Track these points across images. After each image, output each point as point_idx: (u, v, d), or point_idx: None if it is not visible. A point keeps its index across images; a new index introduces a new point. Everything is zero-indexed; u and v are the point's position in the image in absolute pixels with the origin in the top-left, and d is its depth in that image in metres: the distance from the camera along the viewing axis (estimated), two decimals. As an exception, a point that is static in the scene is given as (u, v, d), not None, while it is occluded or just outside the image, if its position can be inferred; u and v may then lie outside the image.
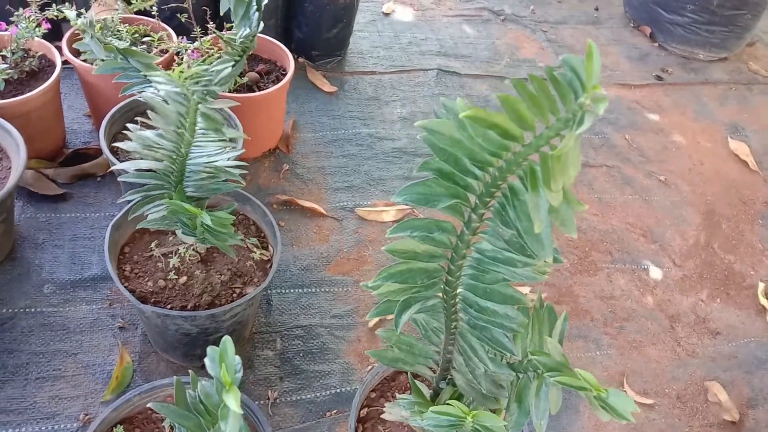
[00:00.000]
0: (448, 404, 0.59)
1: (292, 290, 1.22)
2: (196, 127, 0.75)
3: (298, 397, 1.07)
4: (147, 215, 0.88)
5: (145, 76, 0.82)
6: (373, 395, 0.90)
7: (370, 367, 1.13)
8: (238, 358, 0.54)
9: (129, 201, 0.92)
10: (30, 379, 1.02)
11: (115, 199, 1.29)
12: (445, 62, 1.83)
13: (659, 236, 1.52)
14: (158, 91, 0.73)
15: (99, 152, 1.34)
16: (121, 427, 0.80)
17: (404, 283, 0.56)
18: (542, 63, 1.98)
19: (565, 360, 0.55)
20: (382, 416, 0.82)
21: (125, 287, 0.93)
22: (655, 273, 1.42)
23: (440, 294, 0.59)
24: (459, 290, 0.59)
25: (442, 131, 0.45)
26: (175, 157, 0.79)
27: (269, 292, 1.20)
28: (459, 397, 0.69)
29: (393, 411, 0.80)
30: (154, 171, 0.84)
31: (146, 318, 0.96)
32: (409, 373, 0.73)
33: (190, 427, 0.60)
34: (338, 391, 1.09)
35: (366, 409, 0.89)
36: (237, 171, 0.85)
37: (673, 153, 1.78)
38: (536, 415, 0.58)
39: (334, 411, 1.07)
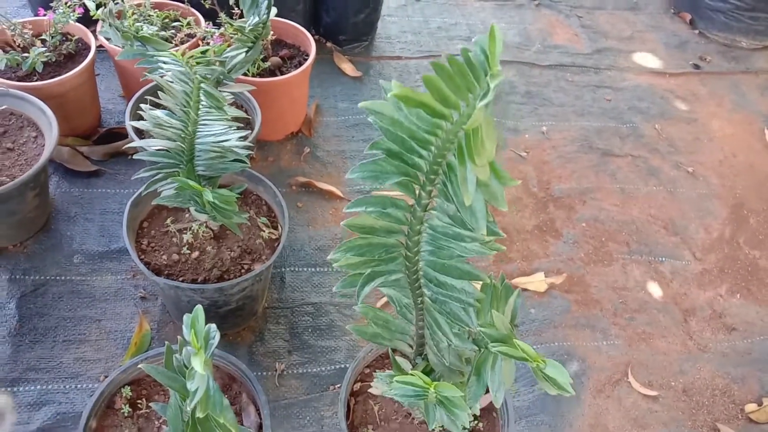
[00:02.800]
0: (411, 374, 0.63)
1: (305, 269, 1.26)
2: (201, 106, 0.80)
3: (305, 370, 1.12)
4: (161, 192, 0.93)
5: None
6: (368, 371, 0.94)
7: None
8: (213, 327, 0.59)
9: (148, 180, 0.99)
10: (58, 341, 1.10)
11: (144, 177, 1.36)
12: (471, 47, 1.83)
13: (681, 229, 1.50)
14: (165, 71, 0.78)
15: (131, 132, 1.42)
16: (129, 387, 0.87)
17: (363, 256, 0.60)
18: (574, 50, 1.96)
19: (511, 333, 0.57)
20: (369, 390, 0.86)
21: (141, 260, 0.99)
22: (674, 265, 1.41)
23: (403, 269, 0.62)
24: (420, 265, 0.61)
25: (384, 112, 0.48)
26: (183, 135, 0.84)
27: (283, 270, 1.25)
28: (430, 371, 0.72)
29: (378, 385, 0.84)
30: (167, 150, 0.90)
31: (161, 289, 1.02)
32: (389, 349, 0.76)
33: (176, 388, 0.65)
34: (343, 366, 1.14)
35: (359, 384, 0.93)
36: (244, 151, 0.90)
37: (704, 144, 1.74)
38: (492, 387, 0.61)
39: (338, 385, 1.11)
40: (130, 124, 1.16)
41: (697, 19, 2.11)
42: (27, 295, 1.14)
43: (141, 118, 1.23)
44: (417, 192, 0.56)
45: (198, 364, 0.50)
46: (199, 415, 0.55)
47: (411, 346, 0.75)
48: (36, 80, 1.26)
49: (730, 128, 1.80)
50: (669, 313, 1.32)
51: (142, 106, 0.88)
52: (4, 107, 1.18)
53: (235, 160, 0.93)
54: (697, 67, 1.99)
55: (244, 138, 0.91)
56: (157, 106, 0.87)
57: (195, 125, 0.83)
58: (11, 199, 1.10)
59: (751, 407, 1.18)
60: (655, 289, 1.36)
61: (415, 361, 0.76)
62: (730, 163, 1.70)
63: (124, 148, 1.35)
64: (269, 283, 1.21)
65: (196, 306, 0.54)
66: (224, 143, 0.89)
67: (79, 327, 1.13)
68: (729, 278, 1.42)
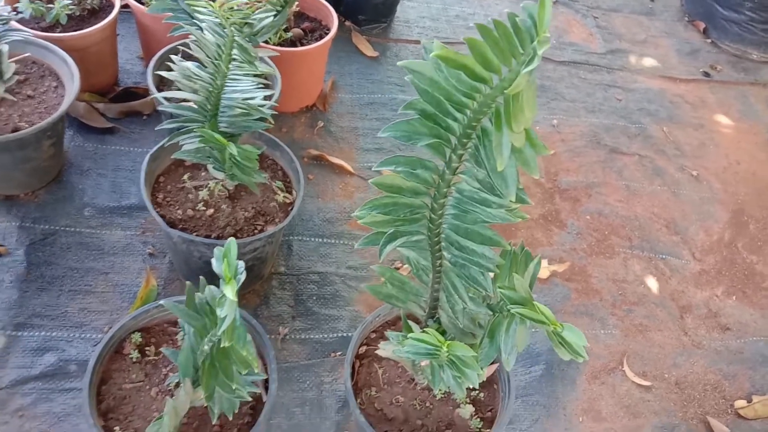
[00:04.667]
0: (425, 332, 0.64)
1: (312, 239, 1.28)
2: (232, 59, 0.81)
3: (307, 336, 1.14)
4: (182, 146, 0.94)
5: (190, 15, 0.88)
6: (373, 336, 0.96)
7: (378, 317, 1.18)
8: (241, 264, 0.60)
9: (168, 134, 1.00)
10: (64, 291, 1.11)
11: (158, 137, 1.37)
12: (489, 39, 1.85)
13: (682, 229, 1.52)
14: (200, 22, 0.79)
15: (147, 92, 1.42)
16: (139, 334, 0.88)
17: (389, 214, 0.61)
18: (589, 48, 1.97)
19: (530, 296, 0.59)
20: (376, 352, 0.88)
21: (156, 212, 1.00)
22: (673, 264, 1.43)
23: (425, 231, 0.64)
24: (442, 228, 0.63)
25: (423, 72, 0.49)
26: (211, 89, 0.85)
27: (291, 238, 1.26)
28: (442, 334, 0.73)
29: (386, 348, 0.85)
30: (191, 104, 0.91)
31: (173, 243, 1.03)
32: (401, 311, 0.78)
33: (196, 327, 0.66)
34: (345, 335, 1.15)
35: (365, 347, 0.95)
36: (268, 111, 0.91)
37: (710, 150, 1.76)
38: (504, 350, 0.63)
39: (339, 353, 1.13)
40: (158, 74, 1.17)
41: (711, 29, 2.14)
42: (36, 243, 1.15)
43: (162, 78, 1.24)
44: (447, 155, 0.57)
45: (230, 292, 0.51)
46: (225, 344, 0.56)
47: (423, 309, 0.76)
48: (59, 32, 1.26)
49: (735, 136, 1.83)
50: (666, 308, 1.34)
51: (173, 57, 0.89)
52: (26, 54, 1.18)
53: (258, 119, 0.94)
54: (707, 75, 2.01)
55: (269, 98, 0.92)
56: (188, 58, 0.87)
57: (224, 79, 0.84)
58: (28, 146, 1.11)
59: (740, 403, 1.20)
60: (653, 285, 1.38)
61: (426, 324, 0.77)
62: (733, 170, 1.73)
63: (149, 98, 1.36)
64: (277, 249, 1.22)
65: (229, 239, 0.55)
66: (250, 101, 0.90)
67: (86, 278, 1.13)
68: (726, 280, 1.45)
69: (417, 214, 0.62)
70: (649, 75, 1.95)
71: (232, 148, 0.84)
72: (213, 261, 0.56)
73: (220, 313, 0.53)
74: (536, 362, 1.17)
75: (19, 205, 1.19)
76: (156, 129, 0.94)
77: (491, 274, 0.64)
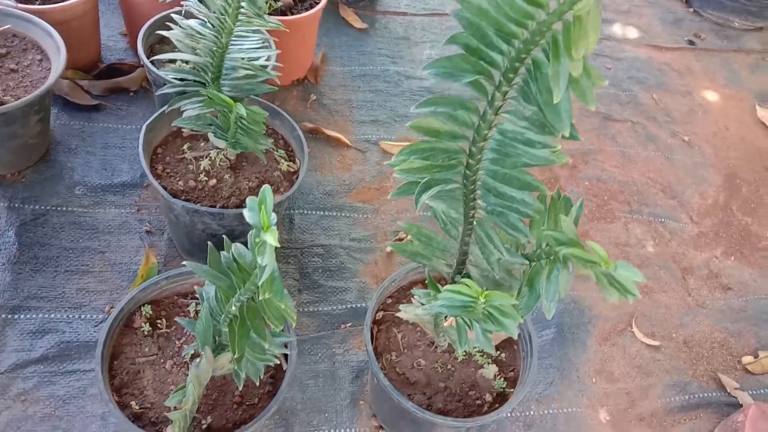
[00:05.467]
0: (462, 283, 0.62)
1: (314, 212, 1.25)
2: (240, 12, 0.77)
3: (315, 309, 1.11)
4: (183, 112, 0.90)
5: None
6: (389, 301, 0.94)
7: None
8: (274, 215, 0.57)
9: (164, 105, 0.96)
10: (59, 272, 1.06)
11: (146, 113, 1.32)
12: (477, 10, 1.83)
13: (678, 193, 1.53)
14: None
15: (133, 68, 1.37)
16: (149, 306, 0.84)
17: (426, 160, 0.58)
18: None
19: (577, 238, 0.57)
20: (396, 315, 0.86)
21: (158, 183, 0.96)
22: (672, 227, 1.43)
23: (460, 179, 0.61)
24: (479, 175, 0.61)
25: (472, 0, 0.47)
26: (215, 48, 0.82)
27: (292, 211, 1.23)
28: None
29: (407, 310, 0.83)
30: (193, 67, 0.87)
31: (175, 216, 0.99)
32: (426, 270, 0.75)
33: (222, 287, 0.63)
34: (354, 306, 1.13)
35: (381, 312, 0.92)
36: (274, 72, 0.88)
37: (699, 116, 1.77)
38: (546, 297, 0.61)
39: (349, 324, 1.10)
40: (151, 43, 1.13)
41: (693, -3, 2.15)
42: (27, 224, 1.10)
43: (153, 49, 1.19)
44: (490, 93, 0.54)
45: (270, 238, 0.48)
46: (264, 296, 0.53)
47: (450, 266, 0.74)
48: (38, 4, 1.20)
49: (722, 103, 1.84)
50: (669, 270, 1.34)
51: (174, 16, 0.85)
52: (6, 27, 1.12)
53: (262, 82, 0.90)
54: (691, 43, 2.02)
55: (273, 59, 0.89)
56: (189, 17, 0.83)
57: (229, 36, 0.80)
58: (15, 121, 1.05)
59: (747, 359, 1.21)
60: (653, 249, 1.38)
61: (453, 280, 0.75)
62: (723, 135, 1.74)
63: (135, 74, 1.32)
64: (280, 223, 1.19)
65: (264, 187, 0.52)
66: (255, 61, 0.86)
67: (81, 258, 1.09)
68: (723, 241, 1.45)
69: (453, 160, 0.59)
70: (636, 44, 1.96)
71: (240, 109, 0.81)
72: (246, 212, 0.53)
73: (260, 261, 0.50)
74: (547, 326, 1.16)
75: (6, 185, 1.14)
76: (157, 94, 0.90)
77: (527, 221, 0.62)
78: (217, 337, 0.74)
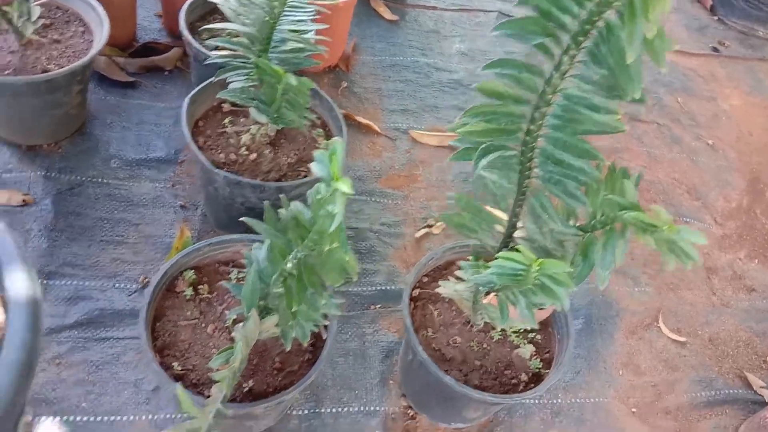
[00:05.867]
0: (515, 251, 0.62)
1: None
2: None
3: (346, 289, 1.11)
4: (229, 83, 0.91)
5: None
6: (426, 279, 0.94)
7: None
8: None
9: (201, 82, 0.97)
10: (94, 241, 1.07)
11: (181, 92, 1.33)
12: (506, 7, 1.84)
13: (703, 195, 1.53)
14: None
15: (168, 48, 1.38)
16: (191, 271, 0.85)
17: (488, 123, 0.59)
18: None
19: (638, 203, 0.57)
20: (434, 292, 0.86)
21: (201, 153, 0.97)
22: (697, 227, 1.44)
23: (518, 146, 0.62)
24: (538, 141, 0.61)
25: None
26: (267, 18, 0.82)
27: (322, 193, 1.24)
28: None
29: (447, 286, 0.83)
30: (242, 37, 0.88)
31: (214, 189, 1.00)
32: (472, 242, 0.76)
33: (279, 245, 0.64)
34: (383, 288, 1.13)
35: (418, 290, 0.93)
36: (322, 47, 0.88)
37: (722, 121, 1.78)
38: (601, 266, 0.61)
39: (378, 305, 1.11)
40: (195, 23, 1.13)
41: (718, 6, 2.16)
42: (63, 193, 1.11)
43: (192, 25, 1.20)
44: (557, 57, 0.55)
45: (344, 186, 0.49)
46: (332, 246, 0.53)
47: (496, 239, 0.75)
48: (82, -22, 1.21)
49: (746, 109, 1.85)
50: (694, 269, 1.34)
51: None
52: (50, -1, 1.14)
53: (308, 57, 0.91)
54: (716, 50, 2.03)
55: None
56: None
57: (283, 6, 0.81)
58: (58, 90, 1.06)
59: (773, 359, 1.21)
60: (680, 247, 1.38)
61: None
62: (746, 141, 1.74)
63: (171, 53, 1.33)
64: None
65: (334, 138, 0.53)
66: (304, 35, 0.87)
67: (116, 229, 1.10)
68: (747, 244, 1.46)
69: (514, 125, 0.60)
70: (661, 49, 1.96)
71: (291, 78, 0.82)
72: (314, 165, 0.54)
73: (331, 209, 0.51)
74: (576, 317, 1.16)
75: (43, 155, 1.15)
76: (205, 63, 0.91)
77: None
78: (262, 302, 0.75)
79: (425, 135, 1.40)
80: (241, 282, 0.78)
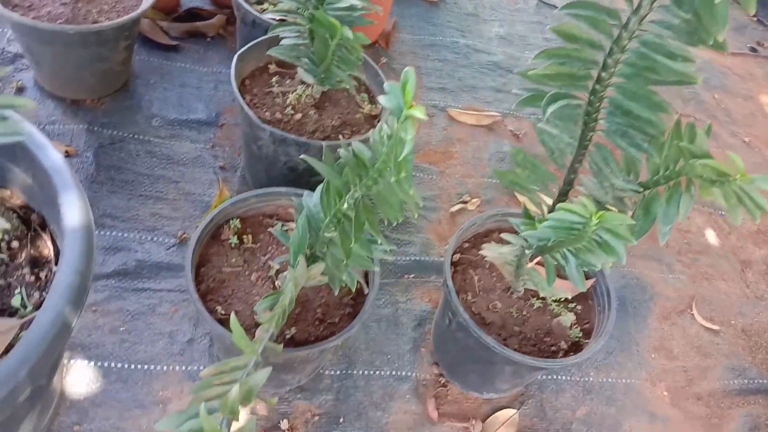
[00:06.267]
0: (577, 203, 0.62)
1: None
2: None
3: (380, 258, 1.11)
4: (281, 39, 0.92)
5: None
6: (466, 245, 0.94)
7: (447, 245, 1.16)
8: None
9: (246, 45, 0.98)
10: (134, 195, 1.08)
11: (222, 58, 1.34)
12: (545, -4, 1.84)
13: (738, 190, 1.51)
14: None
15: (212, 15, 1.39)
16: (237, 220, 0.85)
17: (561, 66, 0.59)
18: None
19: (709, 152, 0.57)
20: (480, 253, 0.86)
21: (249, 108, 0.97)
22: (731, 220, 1.42)
23: (586, 95, 0.61)
24: (608, 91, 0.61)
25: None
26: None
27: (359, 164, 1.24)
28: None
29: (491, 248, 0.83)
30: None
31: (258, 147, 1.00)
32: (524, 199, 0.75)
33: (336, 185, 0.64)
34: (417, 259, 1.13)
35: (458, 255, 0.92)
36: (378, 6, 0.88)
37: (759, 120, 1.76)
38: (663, 220, 0.61)
39: (412, 275, 1.10)
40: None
41: (758, 7, 2.13)
42: (105, 147, 1.12)
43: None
44: (636, 1, 0.55)
45: (418, 112, 0.49)
46: (400, 176, 0.53)
47: (551, 197, 0.74)
48: (133, -62, 1.23)
49: (783, 110, 1.83)
50: (728, 260, 1.33)
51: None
52: (104, -46, 1.14)
53: (360, 16, 0.91)
54: (753, 50, 2.01)
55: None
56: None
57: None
58: (106, 43, 1.07)
59: (807, 353, 1.19)
60: (714, 239, 1.37)
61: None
62: (783, 141, 1.72)
63: (215, 20, 1.34)
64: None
65: (406, 69, 0.53)
66: (360, -8, 0.87)
67: (156, 185, 1.10)
68: (782, 241, 1.44)
69: (585, 72, 0.59)
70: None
71: (347, 31, 0.82)
72: (383, 98, 0.53)
73: (404, 135, 0.51)
74: (609, 297, 1.15)
75: (86, 110, 1.16)
76: (267, 16, 0.90)
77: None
78: (308, 250, 0.75)
79: (463, 113, 1.40)
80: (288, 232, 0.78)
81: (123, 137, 1.14)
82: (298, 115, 1.00)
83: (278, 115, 1.00)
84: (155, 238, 1.04)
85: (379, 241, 0.66)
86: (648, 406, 1.06)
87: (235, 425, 0.57)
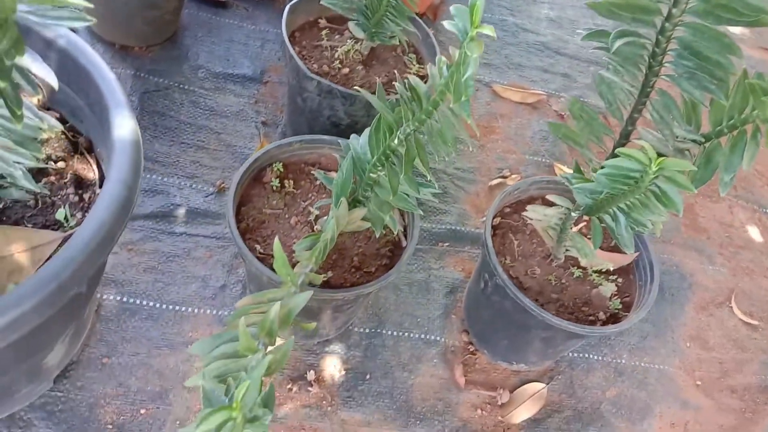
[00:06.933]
0: (637, 148, 0.60)
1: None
2: None
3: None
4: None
5: None
6: (507, 210, 0.92)
7: (483, 218, 1.14)
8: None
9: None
10: (176, 142, 1.08)
11: (270, 18, 1.34)
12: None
13: (785, 190, 1.47)
14: None
15: (262, -25, 1.39)
16: (280, 164, 0.84)
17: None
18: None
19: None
20: (523, 214, 0.84)
21: (298, 57, 0.96)
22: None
23: (654, 33, 0.59)
24: (676, 31, 0.58)
25: None
26: None
27: (400, 131, 1.23)
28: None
29: (536, 210, 0.81)
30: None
31: (302, 100, 0.99)
32: (579, 149, 0.73)
33: (389, 120, 0.63)
34: (453, 228, 1.11)
35: (498, 219, 0.91)
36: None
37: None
38: (726, 169, 0.59)
39: (447, 243, 1.09)
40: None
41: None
42: (150, 93, 1.12)
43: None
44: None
45: (488, 30, 0.48)
46: (461, 100, 0.52)
47: (605, 153, 0.72)
48: None
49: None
50: (771, 258, 1.29)
51: None
52: None
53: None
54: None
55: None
56: None
57: None
58: (159, -11, 1.08)
59: None
60: (757, 235, 1.33)
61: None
62: (834, 147, 1.67)
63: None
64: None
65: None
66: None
67: (198, 134, 1.10)
68: (828, 245, 1.39)
69: (656, 6, 0.57)
70: (750, 45, 1.90)
71: (404, -19, 0.81)
72: (448, 23, 0.52)
73: (470, 53, 0.50)
74: (647, 282, 1.13)
75: (134, 56, 1.16)
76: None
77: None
78: (351, 196, 0.74)
79: (508, 90, 1.38)
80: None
81: (168, 85, 1.15)
82: (346, 70, 0.99)
83: (325, 68, 0.99)
84: (194, 185, 1.04)
85: (429, 178, 0.64)
86: (680, 394, 1.03)
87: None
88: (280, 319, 0.55)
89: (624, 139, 0.68)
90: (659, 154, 0.65)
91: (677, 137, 0.63)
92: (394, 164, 0.64)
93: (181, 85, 1.16)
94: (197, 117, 1.12)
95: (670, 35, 0.58)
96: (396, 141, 0.63)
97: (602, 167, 0.63)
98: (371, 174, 0.68)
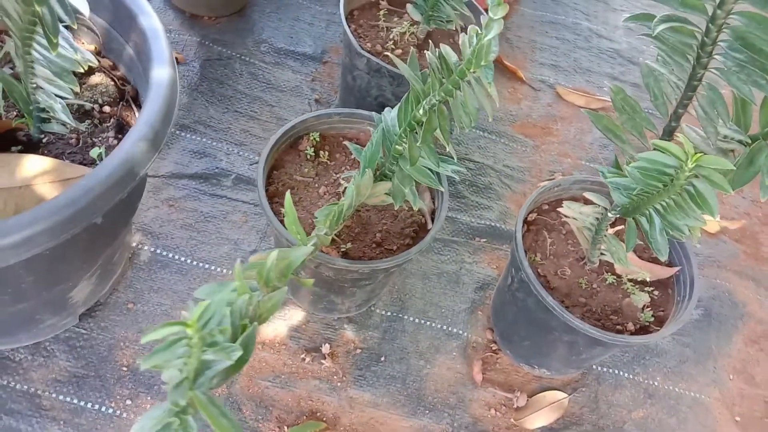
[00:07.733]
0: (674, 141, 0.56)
1: (475, 130, 1.22)
2: None
3: (454, 216, 1.08)
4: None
5: None
6: (545, 207, 0.89)
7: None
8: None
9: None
10: (230, 110, 1.11)
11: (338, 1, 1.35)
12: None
13: None
14: None
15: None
16: (317, 134, 0.85)
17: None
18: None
19: None
20: (559, 209, 0.81)
21: (353, 35, 0.96)
22: None
23: (705, 20, 0.55)
24: (729, 20, 0.54)
25: None
26: None
27: (453, 123, 1.21)
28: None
29: (572, 207, 0.78)
30: None
31: (352, 78, 0.99)
32: (619, 144, 0.69)
33: (417, 90, 0.62)
34: (492, 224, 1.09)
35: (534, 215, 0.88)
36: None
37: None
38: (768, 175, 0.54)
39: (483, 239, 1.06)
40: None
41: None
42: (212, 60, 1.15)
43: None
44: None
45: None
46: (479, 65, 0.51)
47: (646, 148, 0.68)
48: None
49: None
50: (841, 300, 1.19)
51: None
52: None
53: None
54: None
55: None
56: None
57: None
58: (231, -40, 1.11)
59: None
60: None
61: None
62: None
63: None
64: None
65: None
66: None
67: (252, 105, 1.13)
68: None
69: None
70: None
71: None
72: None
73: (492, 15, 0.48)
74: (696, 306, 1.06)
75: (202, 25, 1.20)
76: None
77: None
78: (379, 170, 0.73)
79: (571, 93, 1.33)
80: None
81: (230, 55, 1.18)
82: (398, 51, 0.99)
83: (378, 48, 0.99)
84: (241, 153, 1.06)
85: (448, 148, 0.63)
86: (716, 427, 0.96)
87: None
88: (279, 270, 0.55)
89: (666, 135, 0.65)
90: (699, 152, 0.61)
91: (722, 137, 0.58)
92: (417, 134, 0.63)
93: (243, 57, 1.18)
94: (254, 88, 1.15)
95: (721, 24, 0.54)
96: (421, 111, 0.62)
97: (636, 160, 0.59)
98: (397, 146, 0.68)
